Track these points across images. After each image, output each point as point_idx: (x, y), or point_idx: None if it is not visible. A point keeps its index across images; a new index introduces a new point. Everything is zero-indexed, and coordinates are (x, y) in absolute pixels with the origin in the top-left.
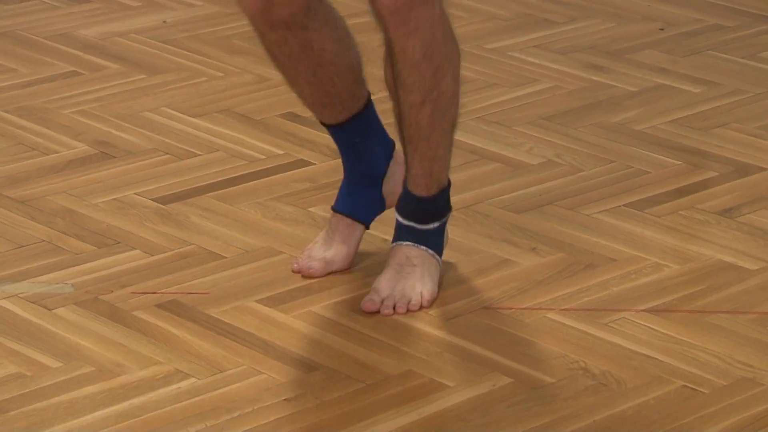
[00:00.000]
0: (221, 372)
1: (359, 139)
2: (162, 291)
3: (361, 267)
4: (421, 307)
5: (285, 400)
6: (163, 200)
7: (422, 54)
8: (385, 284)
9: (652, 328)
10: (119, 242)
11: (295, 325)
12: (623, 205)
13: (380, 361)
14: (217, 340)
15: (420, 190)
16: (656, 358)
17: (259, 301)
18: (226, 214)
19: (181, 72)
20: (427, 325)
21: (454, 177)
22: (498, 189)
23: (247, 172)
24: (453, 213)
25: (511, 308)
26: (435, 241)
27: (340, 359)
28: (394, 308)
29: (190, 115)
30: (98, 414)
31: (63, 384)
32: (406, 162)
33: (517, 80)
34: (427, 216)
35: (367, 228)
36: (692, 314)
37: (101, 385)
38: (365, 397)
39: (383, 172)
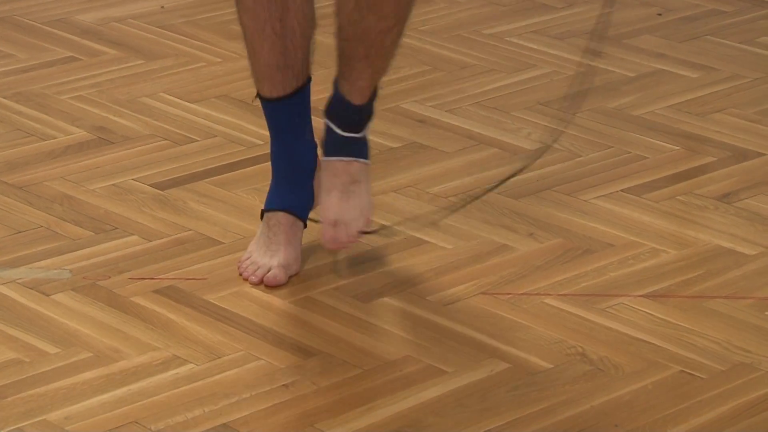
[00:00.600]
0: (219, 358)
1: (296, 121)
2: (160, 277)
3: (357, 252)
4: (364, 232)
5: (282, 385)
6: (161, 186)
7: None
8: (338, 210)
9: (649, 314)
10: (117, 228)
11: (292, 310)
12: (621, 191)
13: (378, 347)
14: (215, 326)
15: (363, 98)
16: (654, 344)
17: (256, 287)
18: (224, 199)
19: (179, 57)
20: (424, 311)
21: (453, 162)
22: (496, 174)
23: (245, 157)
24: (451, 198)
25: (508, 294)
26: (366, 148)
27: (338, 345)
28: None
29: (188, 101)
30: (96, 400)
31: (61, 370)
32: (350, 75)
33: (515, 65)
34: (363, 121)
35: (305, 226)
36: (690, 299)
37: (99, 370)
38: (363, 382)
39: (314, 165)
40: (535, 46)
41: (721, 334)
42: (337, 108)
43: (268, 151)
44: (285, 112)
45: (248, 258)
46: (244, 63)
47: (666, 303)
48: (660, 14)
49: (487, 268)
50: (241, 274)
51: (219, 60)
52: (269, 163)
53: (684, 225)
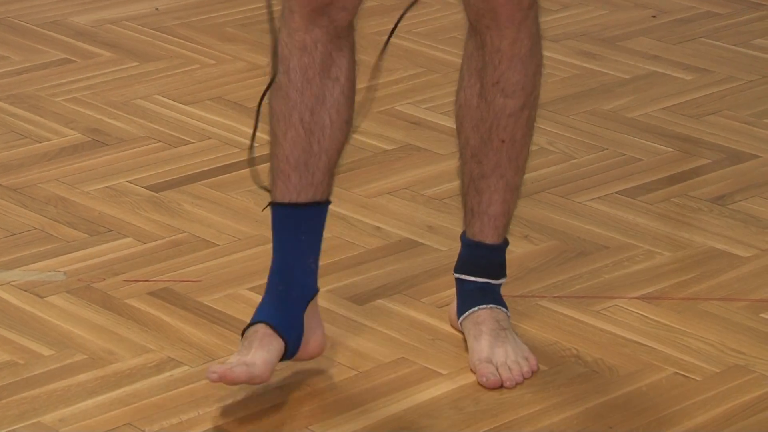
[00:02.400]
0: (213, 360)
1: (304, 238)
2: (154, 279)
3: (352, 254)
4: (533, 373)
5: (277, 387)
6: (156, 188)
7: (530, 46)
8: (490, 353)
9: (644, 316)
10: (111, 230)
11: None
12: (615, 193)
13: (373, 349)
14: (210, 328)
15: (496, 234)
16: (648, 346)
17: (251, 289)
18: (218, 201)
19: (173, 59)
20: (419, 313)
21: (447, 164)
22: None
23: (239, 159)
24: (446, 200)
25: (503, 295)
26: (504, 301)
27: (333, 347)
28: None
29: (182, 103)
30: (90, 402)
31: (55, 372)
32: (479, 206)
33: None
34: (499, 269)
35: (285, 356)
36: (684, 301)
37: (93, 372)
38: (358, 384)
39: (310, 297)
40: None
41: (715, 336)
42: (469, 257)
43: (264, 153)
44: (293, 223)
45: (218, 361)
46: (239, 65)
47: (660, 305)
48: (654, 16)
49: None
50: (207, 376)
51: (213, 62)
52: (265, 165)
53: (678, 227)
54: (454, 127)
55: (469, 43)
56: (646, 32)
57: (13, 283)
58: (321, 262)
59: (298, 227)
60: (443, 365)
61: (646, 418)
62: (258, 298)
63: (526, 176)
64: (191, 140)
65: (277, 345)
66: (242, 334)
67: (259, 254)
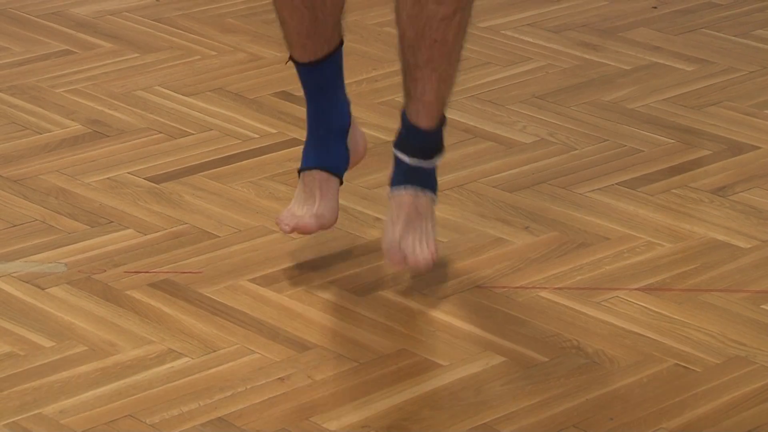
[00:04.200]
0: (214, 351)
1: (329, 84)
2: (155, 270)
3: (353, 245)
4: (432, 259)
5: (278, 379)
6: (157, 179)
7: None
8: (399, 237)
9: (645, 307)
10: (112, 221)
11: (288, 304)
12: (616, 184)
13: (373, 340)
14: (210, 320)
15: (429, 121)
16: (649, 337)
17: (252, 280)
18: (219, 193)
19: (174, 50)
20: (420, 304)
21: (448, 155)
22: (491, 168)
23: (240, 151)
24: (447, 191)
25: (504, 287)
26: (435, 181)
27: (333, 338)
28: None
29: (183, 94)
30: (91, 393)
31: (56, 363)
32: (415, 91)
33: (511, 59)
34: (432, 151)
35: (341, 182)
36: (685, 293)
37: (94, 364)
38: (358, 376)
39: (348, 124)
40: (531, 39)
41: (716, 327)
42: (405, 136)
43: (264, 144)
44: (318, 75)
45: (287, 210)
46: (240, 56)
47: (661, 296)
48: (655, 7)
49: (482, 261)
50: (279, 225)
51: (214, 53)
52: (266, 156)
53: (679, 218)
54: (456, 118)
55: None
56: (646, 23)
57: (14, 275)
58: (321, 254)
59: (322, 77)
60: (444, 356)
61: (647, 409)
62: (259, 290)
63: (527, 167)
64: (192, 131)
65: (335, 186)
66: (299, 173)
67: (260, 245)
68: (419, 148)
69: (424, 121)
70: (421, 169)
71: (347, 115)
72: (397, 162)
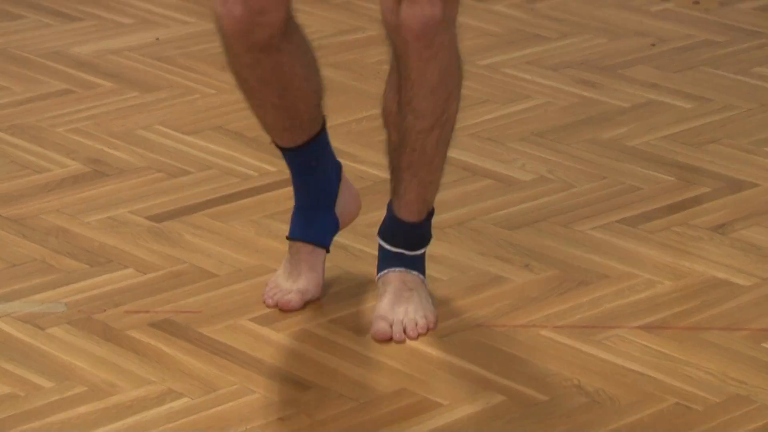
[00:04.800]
0: (214, 391)
1: (315, 162)
2: (155, 310)
3: (353, 284)
4: (428, 330)
5: (278, 419)
6: (157, 218)
7: (439, 79)
8: (389, 310)
9: (645, 345)
10: (112, 261)
11: (288, 343)
12: (616, 221)
13: (374, 380)
14: (210, 359)
15: (412, 216)
16: (650, 375)
17: (252, 320)
18: (219, 231)
19: (174, 89)
20: (420, 343)
21: (447, 193)
22: (491, 205)
23: (240, 189)
24: (446, 229)
25: (504, 325)
26: (422, 266)
27: (334, 378)
28: (404, 333)
29: (183, 133)
30: None
31: (56, 404)
32: (398, 189)
33: (510, 96)
34: (415, 242)
35: (328, 251)
36: (685, 331)
37: (94, 404)
38: (359, 415)
39: (336, 192)
40: (530, 77)
41: (716, 366)
42: (388, 226)
43: (264, 183)
44: (302, 156)
45: (273, 281)
46: (239, 95)
47: (661, 334)
48: (654, 45)
49: (483, 299)
50: (263, 297)
51: (214, 92)
52: (266, 195)
53: (679, 256)
54: (455, 155)
55: (392, 58)
56: (645, 61)
57: (13, 315)
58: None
59: (307, 157)
60: (444, 395)
61: None
62: (259, 329)
63: (527, 205)
64: (192, 170)
65: (321, 257)
66: (288, 239)
67: (260, 285)
68: (403, 240)
69: (407, 215)
70: (404, 255)
71: (335, 183)
72: (382, 250)
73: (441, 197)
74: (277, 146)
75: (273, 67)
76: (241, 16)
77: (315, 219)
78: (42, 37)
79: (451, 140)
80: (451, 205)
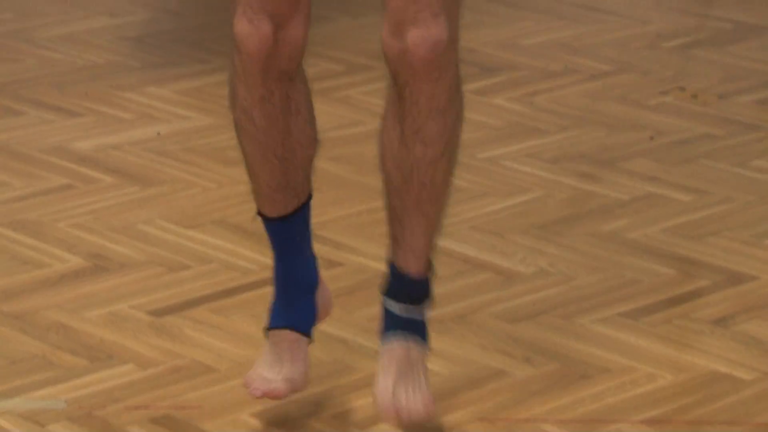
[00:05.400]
0: None
1: (299, 238)
2: (155, 405)
3: (355, 378)
4: (428, 415)
5: None
6: (157, 313)
7: (448, 99)
8: (394, 390)
9: None
10: (112, 356)
11: None
12: (617, 315)
13: None
14: None
15: (419, 266)
16: None
17: (253, 415)
18: (219, 326)
19: (174, 183)
20: None
21: (448, 286)
22: (491, 299)
23: (240, 283)
24: (447, 323)
25: (506, 419)
26: (426, 331)
27: None
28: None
29: (183, 227)
30: None
31: None
32: (403, 236)
33: (510, 189)
34: (421, 297)
35: (311, 341)
36: (688, 425)
37: None
38: None
39: (317, 280)
40: (529, 170)
41: None
42: (393, 284)
43: (265, 277)
44: (286, 231)
45: (254, 373)
46: (240, 188)
47: (664, 429)
48: (652, 138)
49: (484, 393)
50: (248, 388)
51: (215, 186)
52: (266, 289)
53: (680, 349)
54: (455, 248)
55: (391, 90)
56: (644, 154)
57: (13, 412)
58: (322, 387)
59: (291, 232)
60: None
61: None
62: (261, 425)
63: (527, 298)
64: (192, 264)
65: (305, 346)
66: (266, 332)
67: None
68: (408, 295)
69: (413, 267)
70: (411, 318)
71: (315, 272)
72: (386, 311)
73: (441, 291)
74: (264, 219)
75: (283, 102)
76: (268, 34)
77: (297, 305)
78: (43, 133)
79: (454, 171)
80: (451, 299)
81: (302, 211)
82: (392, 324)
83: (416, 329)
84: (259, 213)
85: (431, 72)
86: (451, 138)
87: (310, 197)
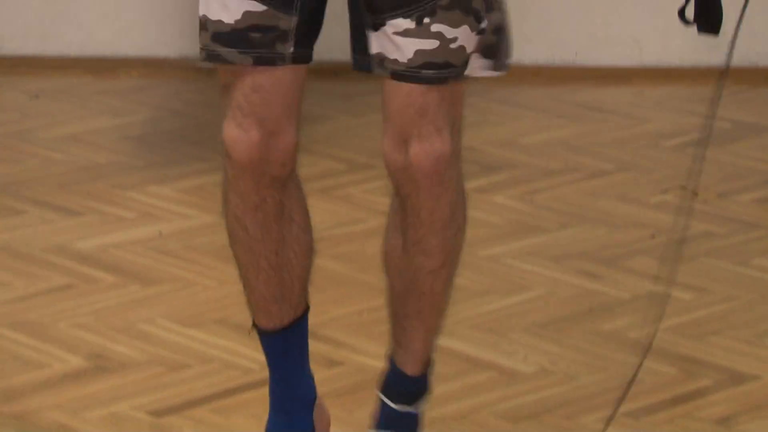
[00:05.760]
0: None
1: (295, 352)
2: None
3: None
4: None
5: None
6: (157, 413)
7: (450, 214)
8: None
9: None
10: None
11: None
12: (619, 414)
13: None
14: None
15: (417, 367)
16: None
17: None
18: (220, 426)
19: (176, 282)
20: None
21: (449, 386)
22: (493, 398)
23: (241, 383)
24: (449, 422)
25: None
26: (420, 424)
27: None
28: None
29: (184, 326)
30: None
31: None
32: (403, 340)
33: (511, 287)
34: (418, 395)
35: None
36: None
37: None
38: None
39: (314, 395)
40: (530, 268)
41: None
42: (391, 381)
43: (266, 376)
44: (282, 344)
45: None
46: (241, 287)
47: None
48: (654, 236)
49: None
50: None
51: (215, 284)
52: (267, 389)
53: None
54: (456, 347)
55: (394, 199)
56: (645, 252)
57: None
58: None
59: (287, 345)
60: None
61: None
62: None
63: (529, 397)
64: (193, 364)
65: None
66: None
67: None
68: (405, 393)
69: (411, 367)
70: (406, 414)
71: (313, 389)
72: (382, 406)
73: (442, 390)
74: (259, 331)
75: (276, 209)
76: (258, 140)
77: (295, 420)
78: (45, 233)
79: (454, 279)
80: (452, 398)
81: (299, 323)
82: (385, 419)
83: (409, 426)
84: (254, 324)
85: (433, 187)
86: (453, 250)
87: (307, 309)
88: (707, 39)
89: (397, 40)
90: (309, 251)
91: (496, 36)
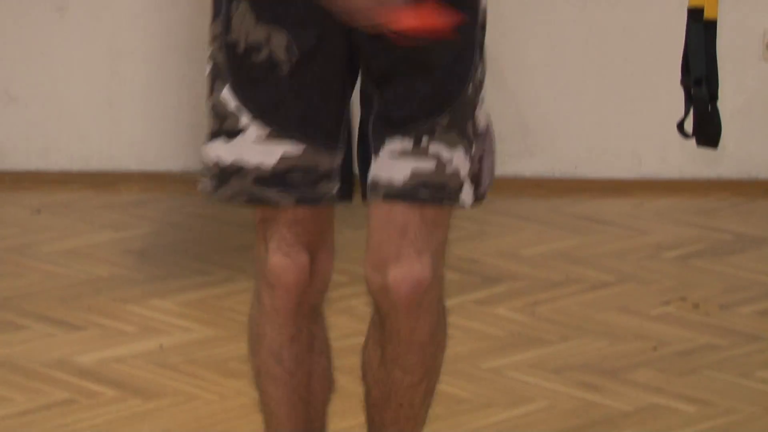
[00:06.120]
0: None
1: None
2: None
3: None
4: None
5: None
6: None
7: (429, 334)
8: None
9: None
10: None
11: None
12: None
13: None
14: None
15: None
16: None
17: None
18: None
19: (177, 396)
20: None
21: None
22: None
23: None
24: None
25: None
26: None
27: None
28: None
29: None
30: None
31: None
32: None
33: (512, 399)
34: None
35: None
36: None
37: None
38: None
39: None
40: (532, 380)
41: None
42: None
43: None
44: None
45: None
46: (243, 401)
47: None
48: (655, 348)
49: None
50: None
51: (217, 398)
52: None
53: None
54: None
55: (375, 313)
56: (647, 364)
57: None
58: None
59: None
60: None
61: None
62: None
63: None
64: None
65: None
66: None
67: None
68: None
69: None
70: None
71: None
72: None
73: None
74: None
75: (309, 341)
76: (305, 265)
77: None
78: (46, 347)
79: (435, 391)
80: None
81: None
82: None
83: None
84: None
85: (412, 310)
86: (432, 366)
87: None
88: (706, 152)
89: (393, 162)
90: (331, 386)
91: (479, 164)
